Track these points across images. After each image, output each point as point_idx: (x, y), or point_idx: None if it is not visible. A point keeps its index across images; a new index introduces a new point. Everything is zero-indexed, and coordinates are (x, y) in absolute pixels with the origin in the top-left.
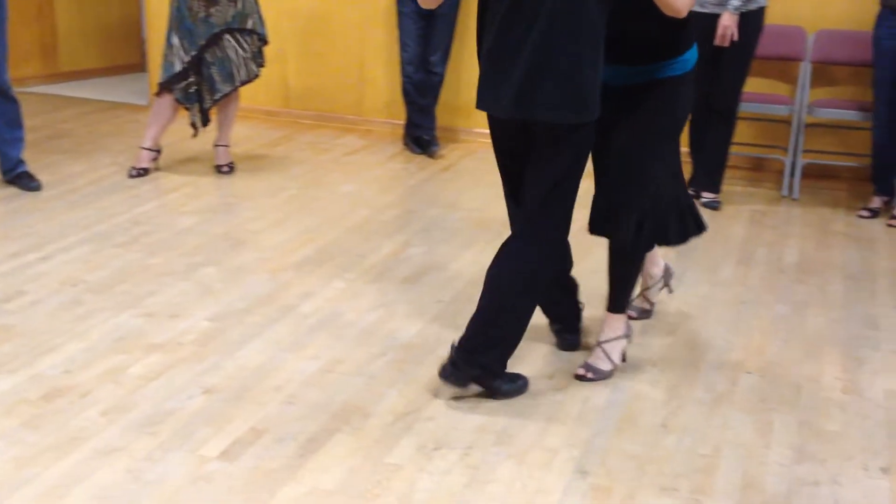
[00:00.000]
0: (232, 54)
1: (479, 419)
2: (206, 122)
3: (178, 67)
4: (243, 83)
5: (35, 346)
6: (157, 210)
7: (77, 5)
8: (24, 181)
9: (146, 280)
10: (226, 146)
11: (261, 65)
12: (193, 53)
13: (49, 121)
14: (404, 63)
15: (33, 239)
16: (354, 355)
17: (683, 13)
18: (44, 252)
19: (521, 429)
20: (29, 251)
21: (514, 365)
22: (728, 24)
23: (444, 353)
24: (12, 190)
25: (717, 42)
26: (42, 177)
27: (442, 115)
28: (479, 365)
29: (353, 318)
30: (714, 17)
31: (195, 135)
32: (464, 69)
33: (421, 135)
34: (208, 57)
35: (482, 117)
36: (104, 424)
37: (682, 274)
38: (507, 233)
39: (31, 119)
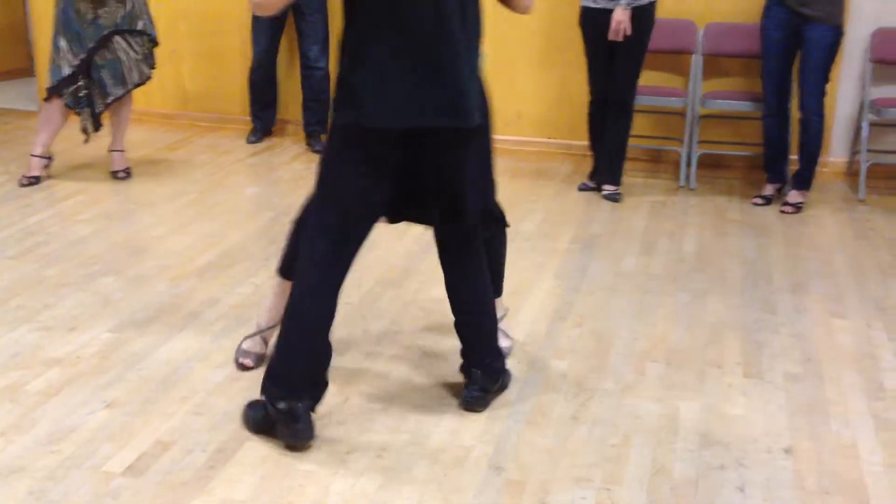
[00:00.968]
0: (123, 56)
1: (392, 420)
2: (97, 126)
3: (66, 71)
4: (136, 86)
5: None
6: (51, 219)
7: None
8: None
9: (42, 292)
10: (121, 151)
11: (152, 66)
12: (82, 56)
13: None
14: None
15: None
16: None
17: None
18: None
19: (435, 427)
20: None
21: (431, 362)
22: (621, 19)
23: (353, 354)
24: None
25: (610, 37)
26: None
27: None
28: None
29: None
30: (607, 13)
31: (87, 140)
32: None
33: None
34: (98, 60)
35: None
36: (2, 444)
37: (586, 266)
38: (415, 230)
39: None
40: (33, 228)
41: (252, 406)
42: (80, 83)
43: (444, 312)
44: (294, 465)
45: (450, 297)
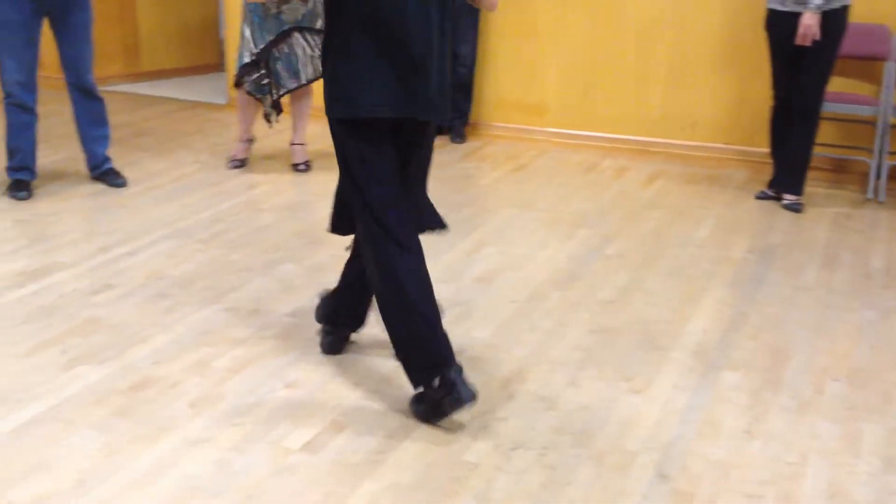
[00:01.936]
0: (299, 51)
1: (555, 420)
2: (279, 111)
3: (246, 59)
4: (309, 81)
5: (125, 339)
6: (238, 207)
7: (158, 7)
8: (111, 178)
9: (228, 275)
10: (302, 144)
11: None
12: (262, 47)
13: (132, 119)
14: None
15: (119, 234)
16: None
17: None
18: (130, 247)
19: (599, 430)
20: (116, 246)
21: (597, 365)
22: (810, 24)
23: (519, 352)
24: (99, 186)
25: (797, 41)
26: (126, 174)
27: (513, 114)
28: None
29: None
30: (795, 16)
31: (270, 126)
32: (538, 68)
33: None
34: (275, 52)
35: (555, 117)
36: (191, 415)
37: (763, 277)
38: (582, 232)
39: (115, 117)
40: (221, 215)
41: (415, 401)
42: (261, 71)
43: (613, 314)
44: (459, 457)
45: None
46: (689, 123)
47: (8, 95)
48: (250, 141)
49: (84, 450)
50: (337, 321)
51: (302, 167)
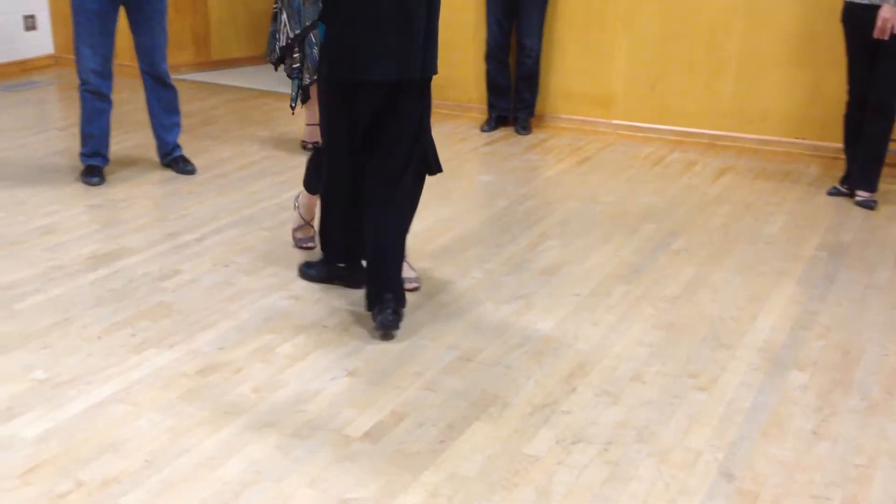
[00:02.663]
0: None
1: (619, 415)
2: (305, 98)
3: (283, 42)
4: None
5: (191, 323)
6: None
7: None
8: (180, 165)
9: (292, 264)
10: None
11: None
12: (297, 32)
13: (201, 108)
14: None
15: (188, 221)
16: (493, 345)
17: None
18: (197, 233)
19: (663, 427)
20: (184, 232)
21: (660, 360)
22: (888, 17)
23: (581, 345)
24: (168, 173)
25: (875, 35)
26: (196, 161)
27: (579, 106)
28: (403, 296)
29: (492, 308)
30: (873, 9)
31: (293, 111)
32: (606, 59)
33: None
34: (312, 37)
35: (623, 110)
36: (255, 401)
37: (834, 275)
38: (648, 226)
39: (185, 105)
40: (286, 203)
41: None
42: (296, 55)
43: (678, 310)
44: (520, 450)
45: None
46: (760, 117)
47: (84, 83)
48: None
49: (151, 432)
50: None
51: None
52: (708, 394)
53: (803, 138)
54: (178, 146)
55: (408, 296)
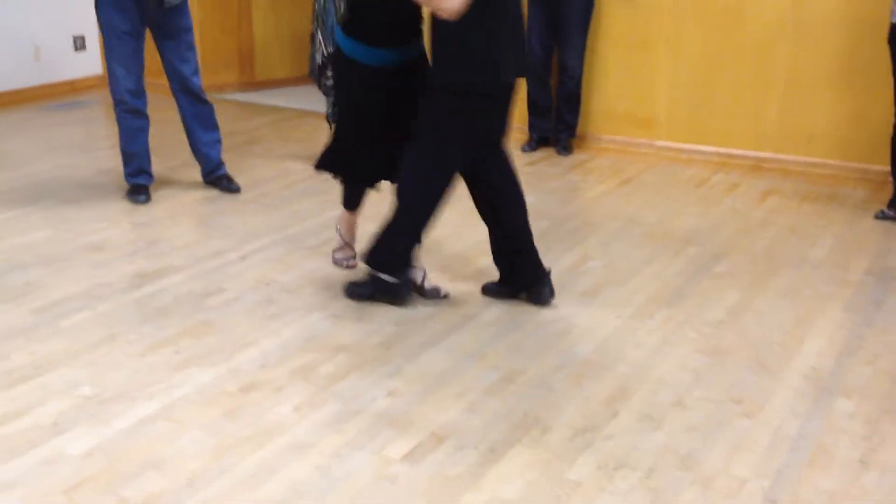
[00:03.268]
0: None
1: (662, 440)
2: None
3: (318, 61)
4: None
5: (234, 341)
6: None
7: (273, 17)
8: (224, 183)
9: (335, 283)
10: None
11: None
12: (331, 50)
13: (245, 127)
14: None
15: (231, 239)
16: (534, 367)
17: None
18: (241, 252)
19: (707, 454)
20: (229, 250)
21: (703, 385)
22: None
23: (622, 369)
24: (212, 192)
25: None
26: (239, 180)
27: (621, 127)
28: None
29: (533, 329)
30: None
31: (330, 127)
32: (648, 80)
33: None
34: None
35: (666, 131)
36: (296, 419)
37: (882, 300)
38: (691, 249)
39: (230, 125)
40: (329, 223)
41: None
42: (329, 72)
43: (722, 335)
44: (562, 474)
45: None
46: (806, 139)
47: (120, 103)
48: None
49: (194, 450)
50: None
51: None
52: (753, 420)
53: (850, 161)
54: (221, 164)
55: (450, 316)
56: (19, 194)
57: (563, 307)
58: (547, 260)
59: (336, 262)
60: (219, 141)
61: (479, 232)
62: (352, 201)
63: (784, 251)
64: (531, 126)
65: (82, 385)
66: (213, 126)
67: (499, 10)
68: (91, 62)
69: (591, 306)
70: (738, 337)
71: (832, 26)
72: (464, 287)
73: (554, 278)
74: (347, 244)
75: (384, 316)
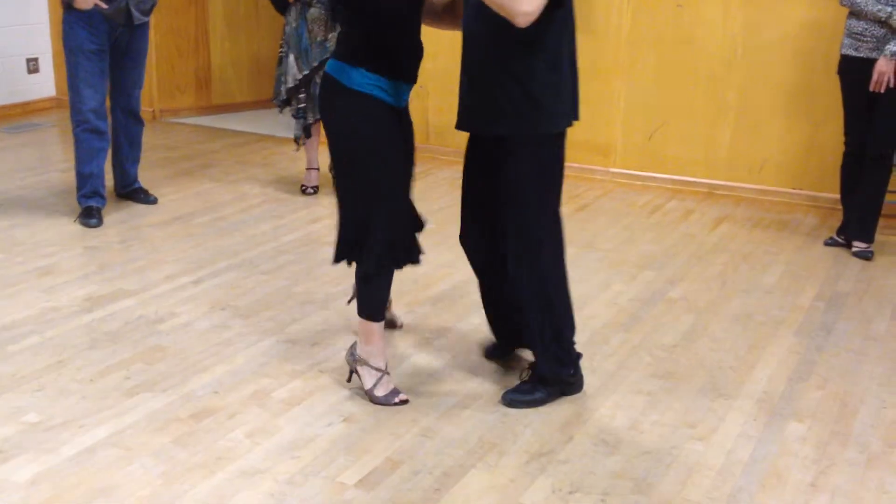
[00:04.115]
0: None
1: (616, 465)
2: (308, 135)
3: (290, 83)
4: None
5: (186, 367)
6: (302, 240)
7: (230, 41)
8: (142, 196)
9: (290, 308)
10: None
11: None
12: (305, 73)
13: (201, 151)
14: None
15: (185, 263)
16: (489, 391)
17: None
18: (195, 276)
19: (661, 478)
20: (182, 275)
21: (659, 409)
22: (884, 70)
23: (578, 395)
24: (166, 215)
25: (872, 88)
26: (193, 204)
27: (578, 154)
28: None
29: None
30: (870, 62)
31: (297, 148)
32: (604, 107)
33: None
34: (317, 78)
35: (621, 158)
36: (249, 446)
37: (832, 326)
38: (646, 274)
39: (185, 148)
40: (286, 247)
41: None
42: (301, 95)
43: (676, 359)
44: (517, 499)
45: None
46: (758, 167)
47: (82, 122)
48: (318, 169)
49: (144, 477)
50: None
51: (310, 191)
52: (706, 444)
53: (801, 188)
54: (136, 178)
55: (406, 341)
56: None
57: None
58: None
59: (383, 402)
60: (139, 158)
61: (435, 258)
62: (382, 301)
63: (736, 277)
64: None
65: (29, 412)
66: (139, 144)
67: (570, 27)
68: (45, 84)
69: None
70: (691, 361)
71: (783, 55)
72: (420, 311)
73: None
74: (386, 372)
75: (340, 341)
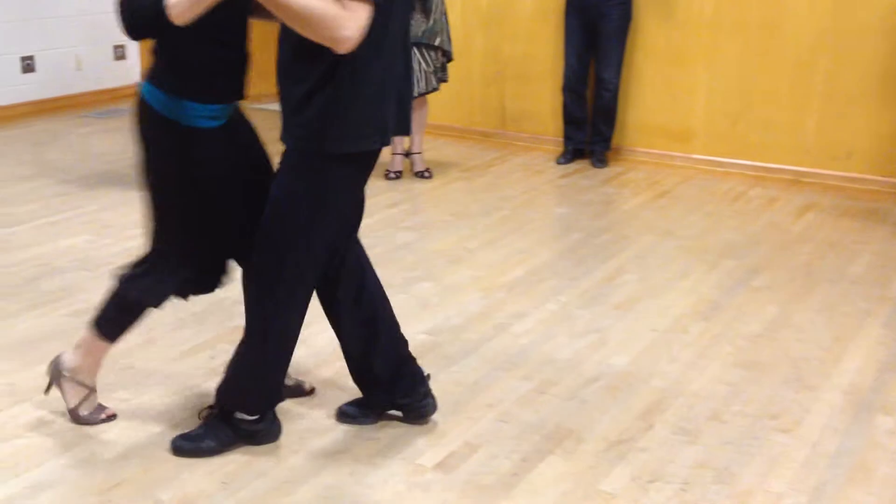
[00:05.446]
0: (415, 66)
1: (697, 454)
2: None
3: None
4: (421, 94)
5: None
6: (379, 224)
7: None
8: None
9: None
10: (420, 153)
11: (442, 80)
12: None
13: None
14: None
15: None
16: (567, 379)
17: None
18: None
19: (743, 468)
20: None
21: (738, 398)
22: None
23: (657, 381)
24: None
25: None
26: None
27: (657, 140)
28: None
29: (565, 341)
30: None
31: None
32: (686, 93)
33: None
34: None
35: (702, 144)
36: (330, 426)
37: None
38: (728, 263)
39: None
40: (363, 231)
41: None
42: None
43: (759, 349)
44: (595, 486)
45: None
46: (845, 154)
47: None
48: (405, 154)
49: (229, 454)
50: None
51: (427, 174)
52: (790, 436)
53: (890, 176)
54: None
55: (482, 327)
56: (61, 200)
57: (597, 320)
58: (579, 272)
59: (86, 422)
60: None
61: (511, 243)
62: (117, 328)
63: (823, 266)
64: (566, 138)
65: (117, 389)
66: None
67: (393, 44)
68: (131, 71)
69: (625, 319)
70: (775, 352)
71: (873, 39)
72: (495, 298)
73: (588, 290)
74: (93, 390)
75: (416, 325)
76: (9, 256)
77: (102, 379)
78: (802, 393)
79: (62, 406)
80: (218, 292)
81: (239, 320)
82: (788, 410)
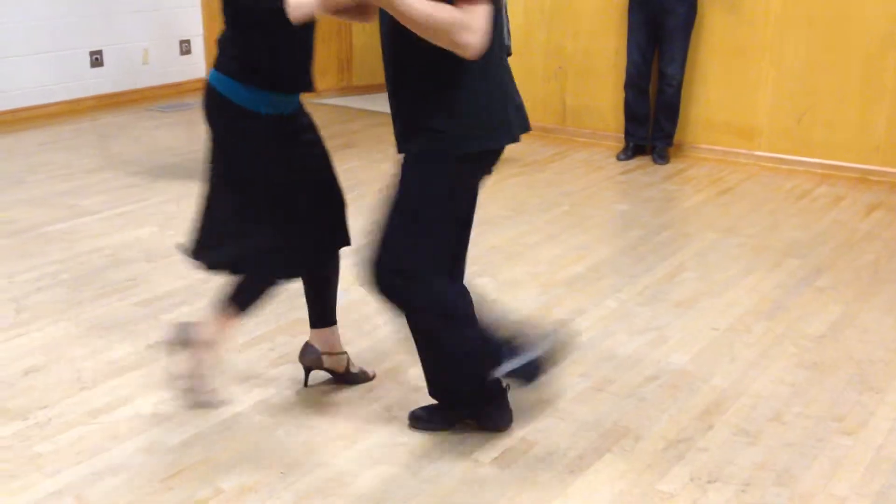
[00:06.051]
0: None
1: (758, 455)
2: None
3: None
4: None
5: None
6: None
7: (372, 25)
8: None
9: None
10: None
11: None
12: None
13: (342, 130)
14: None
15: None
16: (625, 376)
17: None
18: None
19: (805, 471)
20: None
21: (801, 400)
22: None
23: (718, 380)
24: None
25: None
26: None
27: (720, 136)
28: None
29: (625, 338)
30: None
31: None
32: (750, 89)
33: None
34: None
35: (767, 141)
36: (387, 419)
37: None
38: (791, 262)
39: (326, 129)
40: None
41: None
42: None
43: (823, 350)
44: (653, 486)
45: None
46: None
47: None
48: None
49: (288, 444)
50: None
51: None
52: (854, 439)
53: None
54: None
55: (540, 323)
56: (126, 192)
57: (657, 318)
58: (639, 269)
59: (200, 389)
60: None
61: (570, 239)
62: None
63: (890, 266)
64: (628, 133)
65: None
66: None
67: (501, 42)
68: (196, 66)
69: (685, 317)
70: (839, 353)
71: None
72: (554, 293)
73: (648, 287)
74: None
75: None
76: (78, 246)
77: (167, 369)
78: (867, 395)
79: (127, 393)
80: (279, 287)
81: (297, 313)
82: (852, 412)
